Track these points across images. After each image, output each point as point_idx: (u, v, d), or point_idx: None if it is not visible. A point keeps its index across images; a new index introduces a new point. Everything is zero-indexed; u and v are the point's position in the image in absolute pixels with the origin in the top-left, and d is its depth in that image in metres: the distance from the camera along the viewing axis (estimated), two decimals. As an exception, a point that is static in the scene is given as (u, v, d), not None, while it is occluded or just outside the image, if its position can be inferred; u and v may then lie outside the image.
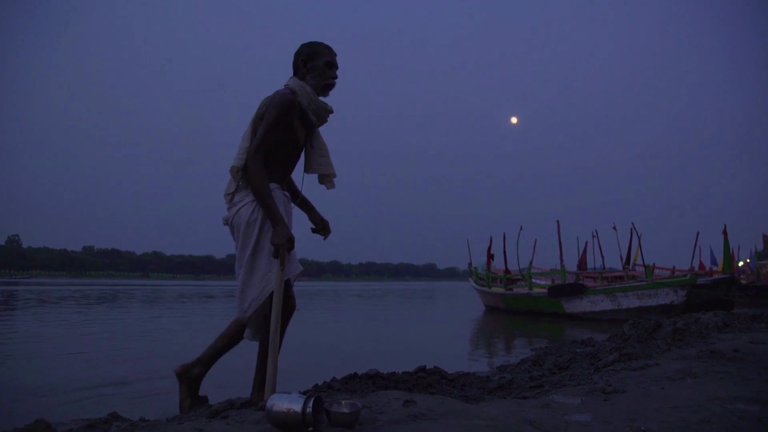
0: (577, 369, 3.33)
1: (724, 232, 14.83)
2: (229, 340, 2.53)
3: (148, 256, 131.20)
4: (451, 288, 49.84)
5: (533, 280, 14.91)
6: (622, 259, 15.12)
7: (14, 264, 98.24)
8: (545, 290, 13.72)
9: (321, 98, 2.53)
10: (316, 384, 3.00)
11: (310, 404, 1.71)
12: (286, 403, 1.72)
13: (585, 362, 3.57)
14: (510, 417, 1.90)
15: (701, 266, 18.56)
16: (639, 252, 14.90)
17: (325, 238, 2.77)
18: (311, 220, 2.75)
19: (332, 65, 2.53)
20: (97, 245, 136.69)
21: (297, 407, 1.70)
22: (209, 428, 1.73)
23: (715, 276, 14.65)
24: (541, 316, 13.42)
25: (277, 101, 2.37)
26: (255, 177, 2.29)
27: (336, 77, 2.55)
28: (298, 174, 2.66)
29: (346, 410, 1.80)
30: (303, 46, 2.55)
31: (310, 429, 1.69)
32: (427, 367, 3.32)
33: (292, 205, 2.63)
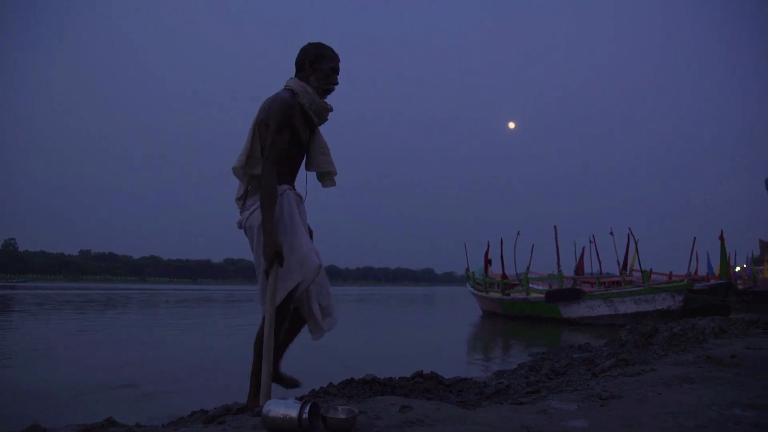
0: (574, 374, 3.33)
1: (721, 238, 14.88)
2: (289, 331, 2.55)
3: (146, 260, 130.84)
4: (449, 293, 49.88)
5: (530, 285, 14.91)
6: (619, 264, 15.14)
7: (10, 268, 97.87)
8: (542, 295, 13.73)
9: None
10: (313, 389, 3.00)
11: (307, 410, 1.70)
12: (282, 408, 1.72)
13: (582, 368, 3.57)
14: (507, 423, 1.90)
15: (698, 272, 18.59)
16: (636, 257, 14.94)
17: None
18: None
19: (336, 71, 2.56)
20: (94, 249, 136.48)
21: (293, 413, 1.69)
22: (205, 434, 1.73)
23: (712, 281, 14.68)
24: (538, 321, 13.42)
25: (277, 106, 2.38)
26: (265, 185, 2.30)
27: (337, 83, 2.58)
28: (300, 173, 2.67)
29: (342, 416, 1.79)
30: (311, 45, 2.55)
31: (307, 435, 1.68)
32: (424, 373, 3.32)
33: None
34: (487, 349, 8.00)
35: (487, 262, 17.93)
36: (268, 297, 2.25)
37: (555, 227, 16.22)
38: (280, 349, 2.52)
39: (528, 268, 15.47)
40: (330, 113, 2.61)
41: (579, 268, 17.36)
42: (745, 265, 25.89)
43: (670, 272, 15.73)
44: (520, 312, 14.57)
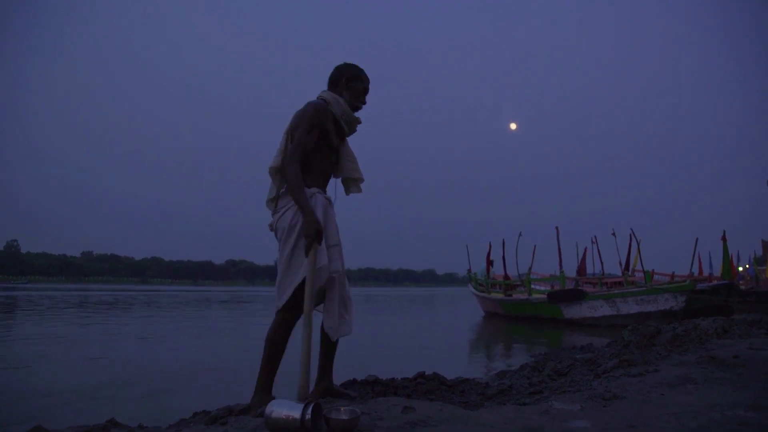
0: (576, 375, 3.32)
1: (723, 238, 14.85)
2: (322, 341, 2.64)
3: (147, 261, 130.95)
4: (451, 294, 49.81)
5: (532, 286, 14.91)
6: (621, 264, 15.12)
7: (13, 269, 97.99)
8: (545, 296, 13.71)
9: None
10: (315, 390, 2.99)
11: (309, 411, 1.71)
12: (285, 409, 1.72)
13: (584, 368, 3.56)
14: (509, 423, 1.90)
15: (700, 272, 18.56)
16: (638, 258, 14.91)
17: None
18: None
19: (366, 92, 2.76)
20: (96, 250, 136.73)
21: (296, 414, 1.70)
22: (208, 435, 1.73)
23: (715, 282, 14.66)
24: (540, 321, 13.41)
25: (311, 108, 2.53)
26: (290, 174, 2.40)
27: (366, 103, 2.76)
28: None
29: (345, 417, 1.79)
30: (348, 65, 2.74)
31: (309, 435, 1.68)
32: (426, 373, 3.32)
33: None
34: (489, 349, 7.99)
35: (489, 263, 17.92)
36: (307, 277, 2.34)
37: (557, 228, 16.21)
38: (326, 365, 2.67)
39: (530, 268, 15.46)
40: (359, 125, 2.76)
41: (581, 269, 17.36)
42: (747, 266, 25.83)
43: (673, 273, 15.71)
44: (522, 313, 14.55)
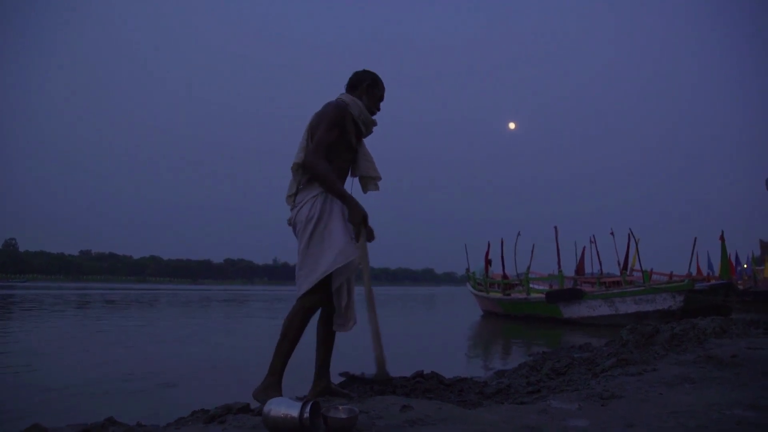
0: (574, 374, 3.32)
1: (722, 238, 14.87)
2: (323, 340, 2.73)
3: (146, 260, 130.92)
4: (449, 293, 49.85)
5: (531, 285, 14.91)
6: (619, 264, 15.14)
7: (11, 268, 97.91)
8: (543, 295, 13.72)
9: None
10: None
11: (308, 409, 1.70)
12: (283, 408, 1.72)
13: (583, 367, 3.56)
14: (508, 422, 1.90)
15: (699, 272, 18.58)
16: (636, 257, 14.93)
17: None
18: None
19: (382, 99, 2.90)
20: (94, 249, 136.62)
21: (294, 412, 1.69)
22: (206, 433, 1.73)
23: (713, 281, 14.67)
24: (538, 321, 13.42)
25: (332, 106, 2.64)
26: (319, 169, 2.51)
27: (380, 110, 2.89)
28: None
29: (343, 415, 1.79)
30: (368, 72, 2.86)
31: (308, 434, 1.68)
32: (425, 372, 3.32)
33: None
34: (488, 349, 8.00)
35: (488, 262, 17.93)
36: (362, 258, 2.55)
37: (555, 227, 16.23)
38: (324, 365, 2.72)
39: (528, 268, 15.48)
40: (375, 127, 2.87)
41: (579, 269, 17.37)
42: (745, 265, 25.87)
43: (671, 272, 15.72)
44: (520, 312, 14.56)
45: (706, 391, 2.38)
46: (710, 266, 21.79)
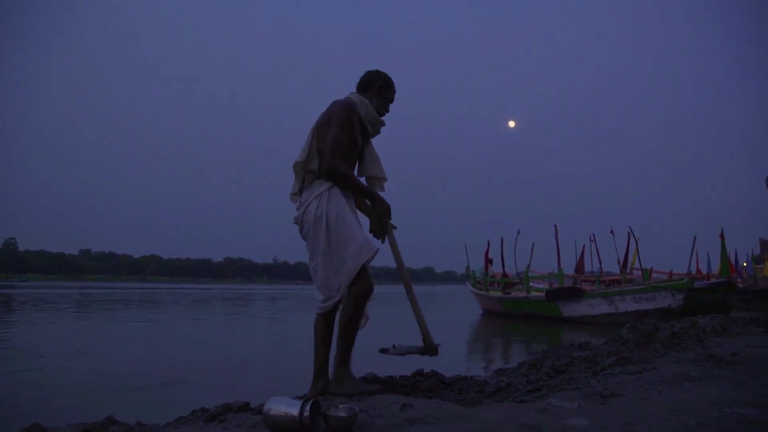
0: (574, 373, 3.32)
1: (721, 236, 14.87)
2: (324, 338, 2.70)
3: (146, 259, 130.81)
4: (449, 292, 49.85)
5: (531, 284, 14.91)
6: (619, 262, 15.14)
7: (10, 267, 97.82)
8: (543, 294, 13.73)
9: None
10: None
11: (308, 408, 1.70)
12: (283, 407, 1.72)
13: (582, 366, 3.56)
14: (508, 421, 1.90)
15: (698, 270, 18.58)
16: (636, 256, 14.93)
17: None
18: None
19: (392, 101, 2.89)
20: (94, 248, 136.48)
21: (294, 411, 1.69)
22: (206, 432, 1.73)
23: (713, 280, 14.68)
24: (538, 319, 13.42)
25: (340, 106, 2.65)
26: (341, 172, 2.56)
27: (389, 111, 2.89)
28: None
29: (343, 414, 1.79)
30: (380, 73, 2.85)
31: (308, 433, 1.68)
32: (425, 371, 3.32)
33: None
34: (488, 347, 8.01)
35: (488, 260, 17.92)
36: (394, 252, 2.66)
37: (555, 226, 16.23)
38: (324, 364, 2.70)
39: (528, 266, 15.48)
40: (383, 127, 2.88)
41: (579, 267, 17.36)
42: (745, 264, 25.85)
43: (671, 271, 15.73)
44: (520, 311, 14.57)
45: (706, 390, 2.38)
46: (710, 265, 21.78)
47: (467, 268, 19.41)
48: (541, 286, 15.44)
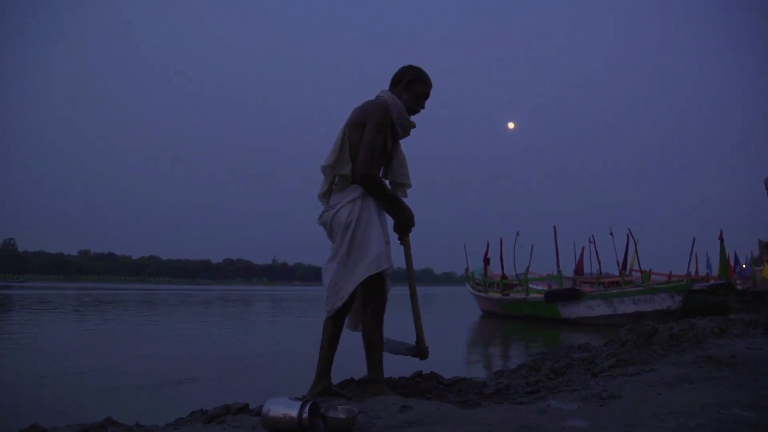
0: (573, 374, 3.32)
1: (720, 238, 14.87)
2: (330, 340, 2.69)
3: (145, 260, 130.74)
4: (448, 293, 49.84)
5: (530, 285, 14.91)
6: (618, 264, 15.14)
7: (9, 268, 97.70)
8: (542, 295, 13.73)
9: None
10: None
11: (307, 409, 1.70)
12: (282, 408, 1.72)
13: (582, 368, 3.56)
14: (507, 422, 1.90)
15: (697, 272, 18.59)
16: (636, 257, 14.94)
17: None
18: None
19: (426, 96, 2.78)
20: (93, 249, 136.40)
21: (293, 412, 1.69)
22: (205, 434, 1.73)
23: (711, 281, 14.69)
24: (537, 321, 13.42)
25: (376, 109, 2.57)
26: (373, 181, 2.54)
27: (423, 108, 2.79)
28: None
29: (342, 416, 1.79)
30: (413, 67, 2.75)
31: (307, 434, 1.68)
32: (424, 372, 3.32)
33: None
34: (487, 349, 8.00)
35: (487, 262, 17.92)
36: (406, 254, 2.73)
37: (554, 227, 16.22)
38: (326, 367, 2.70)
39: (527, 268, 15.48)
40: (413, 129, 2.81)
41: (578, 269, 17.35)
42: (744, 266, 25.88)
43: (670, 272, 15.73)
44: (519, 312, 14.57)
45: (705, 392, 2.38)
46: (709, 266, 21.81)
47: (466, 269, 19.41)
48: (540, 287, 15.44)
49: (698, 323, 5.14)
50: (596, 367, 3.39)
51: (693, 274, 16.85)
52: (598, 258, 16.86)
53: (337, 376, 3.22)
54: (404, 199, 2.83)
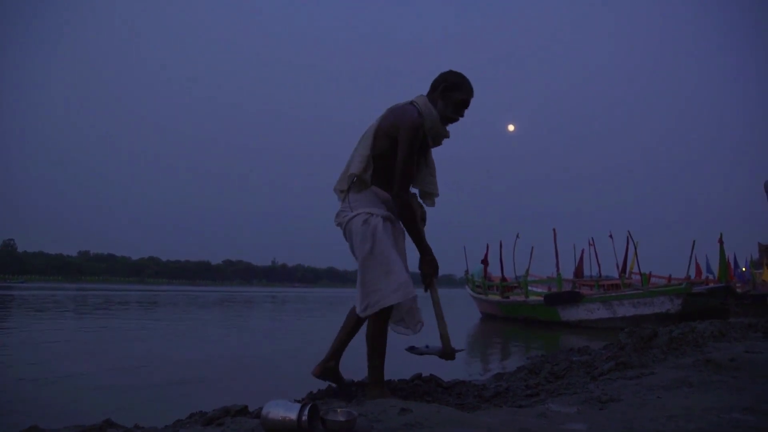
0: (573, 377, 3.32)
1: (720, 241, 14.88)
2: (347, 325, 2.81)
3: (144, 261, 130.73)
4: (447, 295, 49.79)
5: (530, 288, 14.91)
6: (618, 267, 15.15)
7: (9, 268, 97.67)
8: (541, 298, 13.72)
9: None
10: (311, 392, 3.00)
11: (306, 412, 1.70)
12: (281, 410, 1.72)
13: (581, 371, 3.56)
14: (506, 426, 1.90)
15: (697, 275, 18.59)
16: (635, 260, 14.94)
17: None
18: None
19: (465, 105, 2.65)
20: (92, 250, 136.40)
21: (292, 415, 1.69)
22: (204, 436, 1.72)
23: (711, 285, 14.69)
24: (537, 324, 13.41)
25: (408, 124, 2.46)
26: (406, 213, 2.53)
27: (462, 116, 2.67)
28: None
29: (341, 418, 1.79)
30: (452, 73, 2.63)
31: (306, 437, 1.68)
32: (423, 375, 3.32)
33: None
34: (486, 351, 7.99)
35: (486, 264, 17.93)
36: (435, 308, 2.75)
37: (554, 230, 16.22)
38: (340, 348, 2.81)
39: (527, 270, 15.48)
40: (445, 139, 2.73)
41: (578, 271, 17.36)
42: (744, 269, 25.87)
43: (669, 275, 15.73)
44: (519, 315, 14.57)
45: (705, 395, 2.38)
46: (709, 269, 21.79)
47: (466, 271, 19.41)
48: (539, 290, 15.44)
49: (698, 326, 5.14)
50: (596, 371, 3.39)
51: (693, 277, 16.86)
52: (597, 261, 16.88)
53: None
54: (430, 209, 2.84)
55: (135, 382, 4.43)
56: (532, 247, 16.82)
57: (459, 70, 2.62)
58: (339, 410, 1.86)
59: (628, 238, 15.07)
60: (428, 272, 2.65)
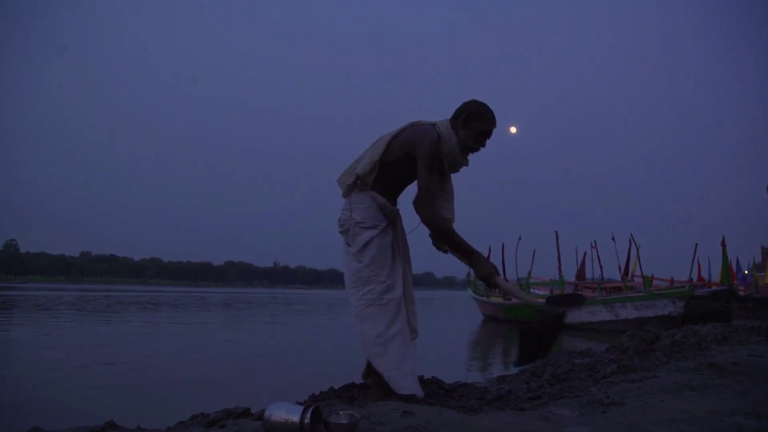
0: (575, 380, 3.32)
1: (723, 244, 14.85)
2: None
3: (146, 262, 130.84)
4: (449, 297, 49.76)
5: (532, 290, 14.89)
6: (620, 269, 15.13)
7: (11, 269, 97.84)
8: (544, 300, 13.71)
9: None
10: (313, 394, 3.00)
11: (308, 414, 1.70)
12: (284, 413, 1.72)
13: (583, 374, 3.56)
14: (508, 429, 1.90)
15: (699, 278, 18.55)
16: (637, 263, 14.92)
17: None
18: None
19: (486, 135, 2.61)
20: (94, 251, 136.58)
21: (295, 417, 1.69)
22: (207, 438, 1.72)
23: (714, 287, 14.65)
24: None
25: (425, 144, 2.46)
26: (441, 225, 2.53)
27: (483, 147, 2.64)
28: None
29: (344, 421, 1.79)
30: (475, 103, 2.60)
31: (308, 439, 1.68)
32: (425, 378, 3.31)
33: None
34: (488, 353, 7.99)
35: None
36: (512, 296, 2.73)
37: (556, 232, 16.24)
38: None
39: (529, 273, 15.47)
40: (463, 167, 2.71)
41: (580, 274, 17.34)
42: (746, 272, 25.78)
43: (672, 278, 15.71)
44: (520, 317, 14.55)
45: (707, 399, 2.38)
46: (711, 272, 21.72)
47: (468, 273, 19.40)
48: (542, 292, 15.42)
49: (700, 330, 5.13)
50: (598, 373, 3.39)
51: (695, 280, 16.82)
52: (600, 263, 16.88)
53: (338, 380, 3.22)
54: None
55: (138, 382, 4.44)
56: (534, 250, 16.84)
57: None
58: (341, 413, 1.86)
59: (630, 240, 15.06)
60: (483, 276, 2.58)
